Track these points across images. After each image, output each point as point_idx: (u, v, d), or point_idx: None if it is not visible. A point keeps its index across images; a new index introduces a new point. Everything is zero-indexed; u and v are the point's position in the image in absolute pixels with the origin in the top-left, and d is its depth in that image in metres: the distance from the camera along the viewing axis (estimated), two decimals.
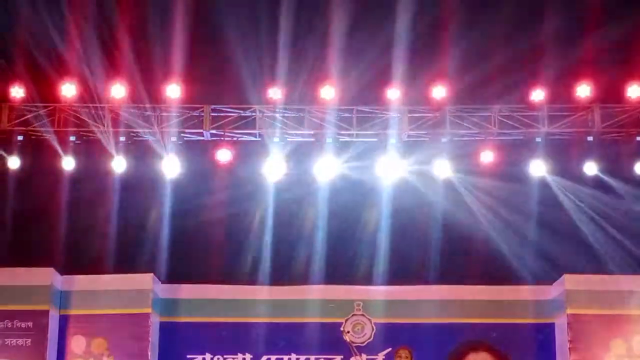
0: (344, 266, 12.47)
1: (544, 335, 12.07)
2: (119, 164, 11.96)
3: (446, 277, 12.38)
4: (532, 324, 12.18)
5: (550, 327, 12.07)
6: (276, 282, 12.36)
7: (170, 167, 12.04)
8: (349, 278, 12.36)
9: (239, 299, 12.32)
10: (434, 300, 12.31)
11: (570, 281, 11.70)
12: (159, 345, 12.00)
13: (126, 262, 12.02)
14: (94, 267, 12.01)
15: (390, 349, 11.43)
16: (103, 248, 12.10)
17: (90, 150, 12.02)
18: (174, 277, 12.38)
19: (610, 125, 11.96)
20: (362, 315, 12.23)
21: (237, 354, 12.15)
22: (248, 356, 12.16)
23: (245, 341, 12.16)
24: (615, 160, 12.03)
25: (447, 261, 12.47)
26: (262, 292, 12.33)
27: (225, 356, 12.14)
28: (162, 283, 12.20)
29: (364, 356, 11.59)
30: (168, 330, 12.12)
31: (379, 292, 12.33)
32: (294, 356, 12.18)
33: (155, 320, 11.93)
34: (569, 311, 11.61)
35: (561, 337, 11.82)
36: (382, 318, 12.22)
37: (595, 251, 12.19)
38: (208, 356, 12.14)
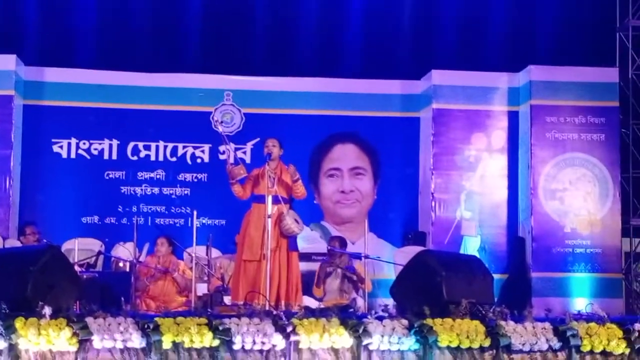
0: (217, 55, 12.33)
1: (409, 128, 12.37)
2: None
3: (319, 69, 12.41)
4: (399, 117, 12.43)
5: (416, 120, 12.37)
6: (146, 69, 12.14)
7: None
8: (221, 67, 12.25)
9: (108, 84, 12.09)
10: (304, 92, 12.37)
11: (437, 76, 11.92)
12: (23, 128, 11.77)
13: None
14: None
15: (258, 139, 11.53)
16: None
17: None
18: (40, 60, 12.01)
19: None
20: (232, 105, 12.22)
21: (103, 140, 12.04)
22: (115, 142, 12.06)
23: (112, 127, 12.05)
24: None
25: (320, 54, 12.47)
26: (132, 79, 12.12)
27: (91, 141, 12.03)
28: (26, 65, 11.83)
29: (232, 145, 11.65)
30: (32, 114, 11.86)
31: (249, 82, 12.30)
32: (162, 143, 12.16)
33: (18, 103, 11.65)
34: (434, 105, 11.89)
35: (425, 130, 12.14)
36: (252, 108, 12.25)
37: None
38: (73, 141, 11.99)
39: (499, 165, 11.97)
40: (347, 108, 12.36)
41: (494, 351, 7.28)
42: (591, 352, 7.45)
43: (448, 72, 11.97)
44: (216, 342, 6.85)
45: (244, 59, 12.37)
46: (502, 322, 7.39)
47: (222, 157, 11.89)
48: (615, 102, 11.83)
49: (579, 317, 7.77)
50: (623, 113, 12.09)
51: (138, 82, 12.14)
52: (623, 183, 11.92)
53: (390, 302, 8.03)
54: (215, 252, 10.48)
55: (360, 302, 9.82)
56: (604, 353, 7.48)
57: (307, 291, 9.98)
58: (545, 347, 7.37)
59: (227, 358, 6.89)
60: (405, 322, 7.23)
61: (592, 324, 7.52)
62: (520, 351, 7.33)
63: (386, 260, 11.00)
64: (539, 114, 11.70)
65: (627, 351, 7.49)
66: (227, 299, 9.21)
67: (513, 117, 12.00)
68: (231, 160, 9.54)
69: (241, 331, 6.89)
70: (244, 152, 12.06)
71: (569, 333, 7.39)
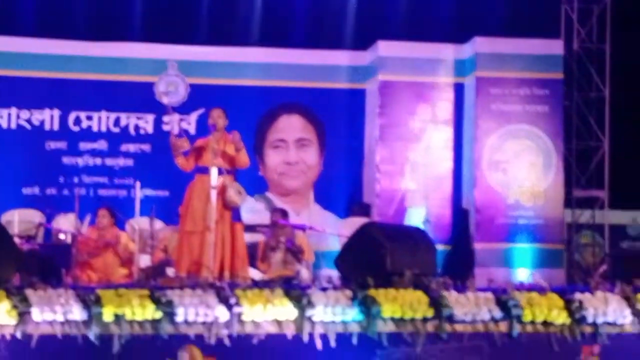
0: (161, 24, 12.16)
1: (355, 99, 12.35)
2: None
3: (265, 39, 12.31)
4: (345, 88, 12.40)
5: (362, 91, 12.35)
6: (89, 38, 11.94)
7: None
8: (165, 37, 12.09)
9: (49, 53, 11.88)
10: (249, 63, 12.28)
11: (383, 47, 11.89)
12: None
13: None
14: None
15: (203, 110, 11.43)
16: None
17: None
18: None
19: None
20: (176, 75, 12.08)
21: (44, 109, 11.86)
22: (56, 112, 11.89)
23: (54, 97, 11.85)
24: None
25: (266, 24, 12.36)
26: (74, 47, 11.92)
27: (32, 111, 11.83)
28: None
29: (177, 116, 11.54)
30: None
31: (194, 52, 12.17)
32: (104, 114, 12.00)
33: None
34: (380, 77, 11.87)
35: (371, 102, 12.13)
36: (197, 79, 12.13)
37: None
38: (14, 111, 11.78)
39: (444, 136, 12.00)
40: (293, 79, 12.29)
41: (437, 321, 7.32)
42: (532, 322, 7.53)
43: (394, 43, 11.95)
44: (158, 314, 6.80)
45: (189, 28, 12.22)
46: (445, 293, 7.43)
47: (166, 127, 11.78)
48: (560, 74, 11.90)
49: (520, 287, 7.86)
50: (567, 85, 12.18)
51: (80, 51, 11.95)
52: (566, 155, 12.03)
53: (334, 273, 8.04)
54: (158, 224, 10.38)
55: (305, 274, 9.82)
56: (545, 323, 7.56)
57: (253, 263, 9.96)
58: (487, 317, 7.43)
59: (169, 330, 6.84)
60: (349, 293, 7.24)
61: (534, 294, 7.60)
62: (463, 321, 7.38)
63: (331, 232, 11.00)
64: (484, 85, 11.75)
65: (568, 321, 7.57)
66: (170, 271, 9.14)
67: (458, 89, 12.03)
68: (175, 131, 9.45)
69: (184, 303, 6.84)
70: (189, 123, 11.95)
71: (510, 303, 7.45)
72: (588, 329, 7.63)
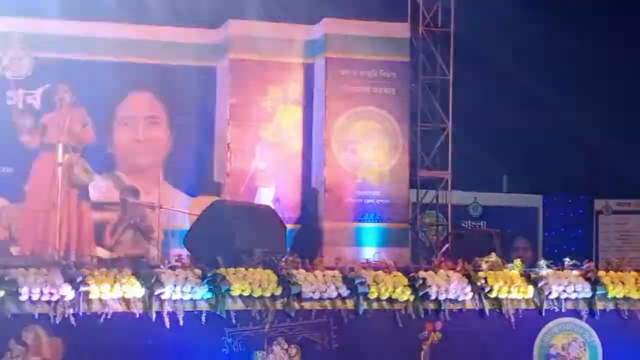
0: None
1: (206, 78, 12.28)
2: None
3: (116, 14, 12.07)
4: (195, 66, 12.30)
5: (213, 70, 12.29)
6: None
7: None
8: (9, 8, 11.69)
9: None
10: (99, 37, 12.01)
11: (234, 26, 11.87)
12: None
13: None
14: None
15: (48, 85, 11.16)
16: None
17: None
18: None
19: None
20: (21, 49, 11.73)
21: None
22: None
23: None
24: None
25: None
26: None
27: None
28: None
29: (22, 91, 11.21)
30: None
31: (40, 24, 11.83)
32: None
33: None
34: (231, 56, 11.85)
35: (222, 81, 12.10)
36: (43, 53, 11.80)
37: None
38: None
39: (295, 117, 12.10)
40: (143, 55, 12.10)
41: (285, 299, 7.43)
42: (378, 299, 7.74)
43: (245, 22, 11.94)
44: (1, 293, 6.65)
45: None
46: (294, 271, 7.56)
47: (10, 102, 11.40)
48: (406, 57, 12.17)
49: (367, 265, 8.05)
50: (413, 68, 12.45)
51: None
52: (411, 136, 12.32)
53: (184, 252, 8.04)
54: (1, 202, 10.10)
55: (154, 252, 9.77)
56: (390, 300, 7.78)
57: (101, 242, 9.84)
58: (334, 294, 7.60)
59: (13, 309, 6.70)
60: (198, 271, 7.26)
61: (379, 272, 7.81)
62: (311, 299, 7.53)
63: (181, 210, 10.95)
64: (333, 67, 11.89)
65: (412, 298, 7.82)
66: (14, 250, 8.94)
67: (309, 70, 12.14)
68: (20, 106, 9.20)
69: (28, 282, 6.72)
70: (34, 98, 11.59)
71: (357, 281, 7.64)
72: (431, 306, 7.92)
